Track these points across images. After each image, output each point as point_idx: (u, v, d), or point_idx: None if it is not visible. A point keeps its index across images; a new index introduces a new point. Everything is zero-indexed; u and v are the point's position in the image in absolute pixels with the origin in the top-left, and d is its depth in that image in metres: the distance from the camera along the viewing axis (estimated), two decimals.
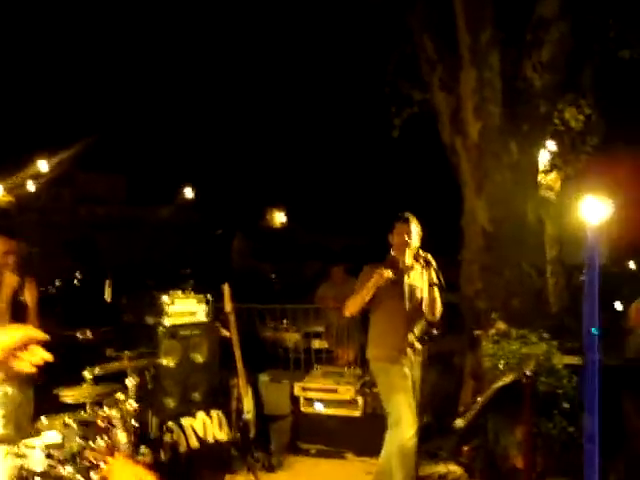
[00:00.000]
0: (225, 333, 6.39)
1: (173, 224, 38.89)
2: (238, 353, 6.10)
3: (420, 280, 5.47)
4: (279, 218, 45.76)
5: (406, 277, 5.47)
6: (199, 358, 6.47)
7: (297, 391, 6.85)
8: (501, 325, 6.13)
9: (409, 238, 5.48)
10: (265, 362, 9.96)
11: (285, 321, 11.42)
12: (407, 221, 5.54)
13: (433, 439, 6.53)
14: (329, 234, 37.52)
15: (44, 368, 1.92)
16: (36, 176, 32.09)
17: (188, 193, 40.75)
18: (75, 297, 18.84)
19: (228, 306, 5.96)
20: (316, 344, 9.93)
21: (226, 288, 5.95)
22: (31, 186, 34.00)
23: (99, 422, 4.64)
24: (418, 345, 5.47)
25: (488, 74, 7.39)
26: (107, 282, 9.31)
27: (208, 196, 40.89)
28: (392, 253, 5.61)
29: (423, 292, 5.45)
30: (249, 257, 33.52)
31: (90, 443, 4.54)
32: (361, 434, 6.94)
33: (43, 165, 31.27)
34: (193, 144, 43.64)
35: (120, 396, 4.90)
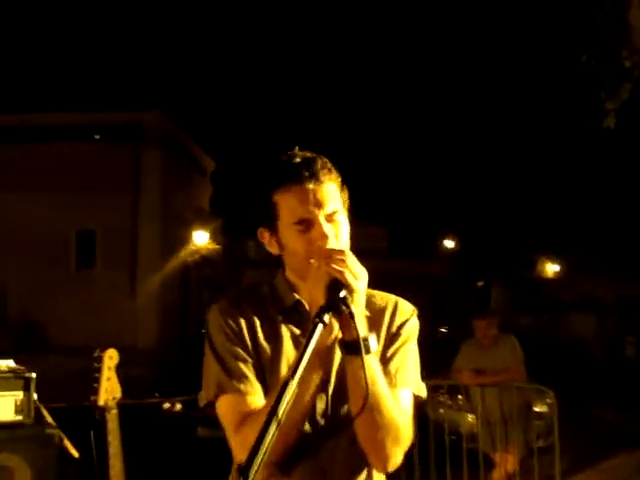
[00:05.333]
0: (72, 451, 3.34)
1: (434, 276, 36.18)
2: None
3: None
4: (551, 268, 41.08)
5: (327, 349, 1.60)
6: None
7: None
8: None
9: (327, 227, 1.68)
10: None
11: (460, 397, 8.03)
12: (314, 177, 1.68)
13: None
14: (603, 283, 32.28)
15: None
16: None
17: (449, 244, 38.09)
18: None
19: (103, 396, 2.84)
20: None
21: (106, 357, 2.87)
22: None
23: None
24: None
25: None
26: None
27: (470, 246, 38.04)
28: (287, 277, 1.79)
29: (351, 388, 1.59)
30: (507, 309, 29.69)
31: None
32: None
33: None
34: (455, 192, 41.38)
35: None
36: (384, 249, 39.95)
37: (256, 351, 1.70)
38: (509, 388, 5.68)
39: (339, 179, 1.76)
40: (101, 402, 2.83)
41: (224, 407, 1.68)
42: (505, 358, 5.71)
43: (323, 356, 1.58)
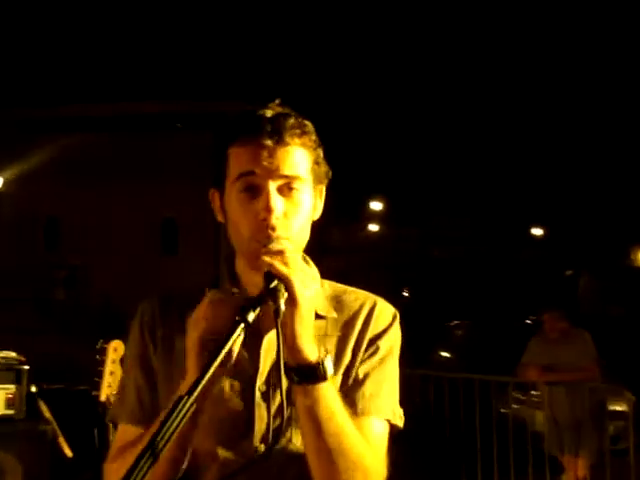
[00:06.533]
0: (66, 450, 3.11)
1: (521, 264, 35.25)
2: None
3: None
4: None
5: (266, 342, 1.29)
6: None
7: None
8: None
9: (277, 198, 1.24)
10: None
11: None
12: (277, 134, 1.26)
13: None
14: None
15: None
16: (370, 217, 31.20)
17: (537, 232, 37.16)
18: None
19: (105, 391, 2.60)
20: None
21: (111, 349, 2.63)
22: (373, 227, 33.33)
23: None
24: None
25: None
26: None
27: (560, 234, 36.85)
28: (236, 264, 1.38)
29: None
30: (597, 299, 28.39)
31: None
32: None
33: (377, 205, 30.32)
34: (542, 181, 40.29)
35: None
36: (467, 237, 39.18)
37: (168, 371, 1.32)
38: (581, 387, 5.25)
39: (318, 149, 1.32)
40: (102, 398, 2.63)
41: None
42: (575, 354, 5.25)
43: (244, 364, 1.27)
